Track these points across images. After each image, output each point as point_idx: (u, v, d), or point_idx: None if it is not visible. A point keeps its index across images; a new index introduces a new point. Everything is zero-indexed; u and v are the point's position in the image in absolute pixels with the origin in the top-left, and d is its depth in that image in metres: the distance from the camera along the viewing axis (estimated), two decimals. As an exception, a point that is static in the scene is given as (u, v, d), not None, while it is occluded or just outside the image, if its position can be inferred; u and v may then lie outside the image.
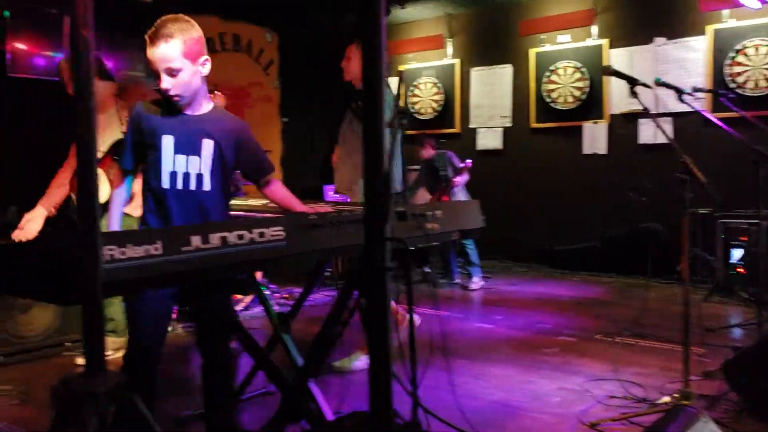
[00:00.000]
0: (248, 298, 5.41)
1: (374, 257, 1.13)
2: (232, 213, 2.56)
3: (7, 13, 5.43)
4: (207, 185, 2.31)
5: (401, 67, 8.43)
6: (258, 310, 5.35)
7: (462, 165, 6.27)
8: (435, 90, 8.21)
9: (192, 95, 2.34)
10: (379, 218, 1.17)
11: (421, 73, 8.32)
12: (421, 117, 8.30)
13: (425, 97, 8.30)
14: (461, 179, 6.27)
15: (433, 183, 6.43)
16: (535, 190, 7.44)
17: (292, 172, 8.43)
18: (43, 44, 5.74)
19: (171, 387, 3.70)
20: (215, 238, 1.69)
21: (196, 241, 1.64)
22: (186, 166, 2.29)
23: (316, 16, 7.86)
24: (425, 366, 2.79)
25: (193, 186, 2.29)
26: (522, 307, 5.51)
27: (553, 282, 6.57)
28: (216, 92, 4.52)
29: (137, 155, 2.34)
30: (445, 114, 8.16)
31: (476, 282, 6.29)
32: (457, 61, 8.03)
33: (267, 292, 5.56)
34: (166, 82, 2.26)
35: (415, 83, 8.35)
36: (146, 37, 2.27)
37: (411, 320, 2.91)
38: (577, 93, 7.06)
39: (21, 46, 5.64)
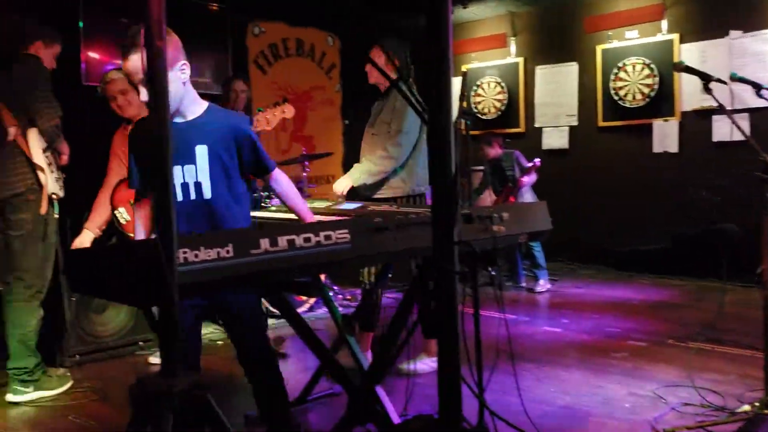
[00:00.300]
0: (312, 300, 5.48)
1: (443, 261, 1.12)
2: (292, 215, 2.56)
3: (81, 24, 5.66)
4: (207, 193, 2.26)
5: (464, 67, 8.38)
6: (321, 311, 5.41)
7: (530, 164, 6.15)
8: (498, 89, 8.12)
9: (177, 104, 2.27)
10: (447, 222, 1.16)
11: (484, 73, 8.24)
12: (484, 117, 8.22)
13: (488, 97, 8.22)
14: (529, 179, 6.14)
15: (500, 183, 6.34)
16: (602, 190, 7.25)
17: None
18: (116, 53, 5.96)
19: (240, 385, 3.79)
20: (283, 241, 1.72)
21: (264, 243, 1.67)
22: (183, 176, 2.25)
23: (376, 20, 7.89)
24: (491, 370, 2.76)
25: (193, 195, 2.25)
26: (589, 310, 5.38)
27: (621, 284, 6.39)
28: (286, 103, 4.57)
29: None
30: (509, 113, 8.06)
31: (542, 285, 6.19)
32: (520, 60, 7.92)
33: (330, 294, 5.63)
34: (144, 95, 2.15)
35: (477, 83, 8.28)
36: (120, 49, 2.25)
37: (477, 323, 2.88)
38: (646, 90, 6.85)
39: (94, 55, 5.87)
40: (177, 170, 2.24)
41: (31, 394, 3.62)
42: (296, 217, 2.55)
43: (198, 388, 1.40)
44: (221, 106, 3.97)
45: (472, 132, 7.35)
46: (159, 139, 1.40)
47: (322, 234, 1.82)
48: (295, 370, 4.03)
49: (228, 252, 1.58)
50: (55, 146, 3.71)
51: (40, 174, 3.62)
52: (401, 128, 3.82)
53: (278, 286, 1.90)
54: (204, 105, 2.37)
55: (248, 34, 7.37)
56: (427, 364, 3.82)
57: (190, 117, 2.33)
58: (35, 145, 3.62)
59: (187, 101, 2.32)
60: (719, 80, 3.05)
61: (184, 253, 1.50)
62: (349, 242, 1.89)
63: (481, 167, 6.60)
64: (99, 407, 3.53)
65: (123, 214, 3.95)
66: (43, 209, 3.64)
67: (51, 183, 3.66)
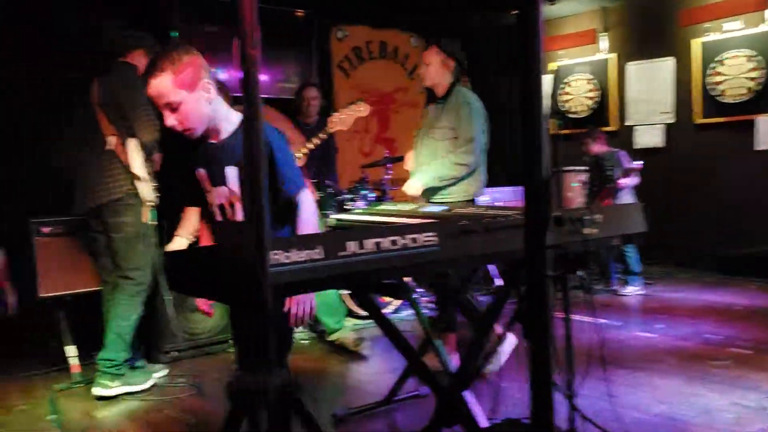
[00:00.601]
0: (397, 302, 5.49)
1: (536, 265, 1.10)
2: (380, 218, 2.56)
3: (175, 34, 5.90)
4: (241, 214, 2.21)
5: (552, 65, 8.20)
6: (406, 313, 5.42)
7: (631, 166, 5.89)
8: (589, 87, 7.90)
9: (206, 124, 2.22)
10: (539, 225, 1.13)
11: (573, 70, 8.03)
12: (573, 115, 8.02)
13: (578, 95, 8.01)
14: (628, 182, 5.87)
15: (598, 182, 6.10)
16: (700, 190, 6.91)
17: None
18: (208, 61, 6.18)
19: (326, 384, 3.85)
20: (370, 243, 1.73)
21: (352, 246, 1.69)
22: (220, 197, 2.25)
23: (459, 20, 7.85)
24: (582, 375, 2.69)
25: (230, 216, 2.24)
26: (687, 315, 5.14)
27: (723, 289, 6.06)
28: (360, 102, 4.61)
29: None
30: (599, 111, 7.82)
31: (632, 289, 5.95)
32: (612, 56, 7.67)
33: (415, 296, 5.62)
34: (170, 120, 2.17)
35: (566, 80, 8.08)
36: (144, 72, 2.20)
37: (568, 327, 2.81)
38: (750, 84, 6.48)
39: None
40: (214, 192, 2.26)
41: (117, 389, 3.75)
42: (382, 219, 2.57)
43: (292, 387, 1.43)
44: (294, 113, 4.07)
45: (562, 131, 7.22)
46: (250, 145, 1.44)
47: (409, 237, 1.82)
48: (381, 371, 4.06)
49: (318, 254, 1.61)
50: (152, 157, 3.87)
51: (139, 184, 3.77)
52: (473, 135, 3.78)
53: (366, 287, 1.92)
54: (236, 121, 2.28)
55: (332, 39, 7.49)
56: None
57: (223, 137, 2.27)
58: (136, 156, 3.76)
59: (219, 120, 2.25)
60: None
61: (276, 254, 1.53)
62: (437, 245, 1.88)
63: (576, 167, 6.40)
64: (194, 402, 3.67)
65: None
66: (144, 218, 3.82)
67: (148, 192, 3.83)
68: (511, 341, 3.69)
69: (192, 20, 6.09)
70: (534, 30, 1.22)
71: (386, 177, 6.14)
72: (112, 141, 3.76)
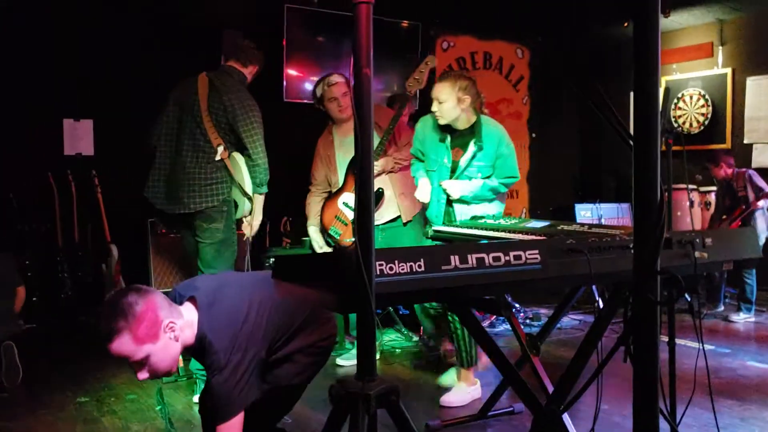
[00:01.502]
0: (492, 315, 5.45)
1: (645, 291, 1.08)
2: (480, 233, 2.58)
3: (284, 43, 6.12)
4: None
5: (664, 78, 7.89)
6: (502, 328, 5.37)
7: (765, 187, 5.62)
8: (702, 102, 7.54)
9: (178, 358, 2.16)
10: (651, 250, 1.12)
11: (687, 85, 7.69)
12: (686, 132, 7.68)
13: (690, 111, 7.67)
14: (763, 203, 5.59)
15: (731, 205, 5.83)
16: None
17: (536, 190, 8.35)
18: (315, 70, 6.39)
19: (420, 393, 3.87)
20: (472, 259, 1.75)
21: (454, 260, 1.72)
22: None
23: (567, 31, 7.71)
24: (687, 403, 2.58)
25: None
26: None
27: None
28: (428, 55, 4.49)
29: None
30: (712, 128, 7.44)
31: (744, 316, 5.62)
32: (728, 70, 7.30)
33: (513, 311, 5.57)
34: (141, 374, 2.08)
35: (679, 95, 7.75)
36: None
37: (672, 353, 2.71)
38: None
39: (294, 72, 6.34)
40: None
41: None
42: (483, 233, 2.59)
43: (392, 394, 1.48)
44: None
45: (675, 148, 6.90)
46: (362, 164, 1.50)
47: (512, 254, 1.83)
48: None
49: (420, 266, 1.65)
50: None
51: (247, 201, 3.86)
52: (514, 174, 3.76)
53: (465, 302, 1.94)
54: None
55: (438, 49, 7.54)
56: (458, 395, 3.66)
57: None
58: (243, 171, 3.83)
59: (193, 335, 2.16)
60: None
61: (381, 265, 1.58)
62: (539, 263, 1.87)
63: (713, 188, 6.16)
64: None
65: (336, 232, 4.25)
66: (248, 234, 3.95)
67: (258, 210, 3.94)
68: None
69: (299, 30, 6.29)
70: (651, 43, 1.20)
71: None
72: (220, 152, 3.79)
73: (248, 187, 3.87)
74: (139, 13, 5.54)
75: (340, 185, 4.31)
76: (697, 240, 2.22)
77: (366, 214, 1.49)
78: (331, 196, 4.34)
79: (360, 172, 1.52)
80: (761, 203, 5.51)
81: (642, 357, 1.13)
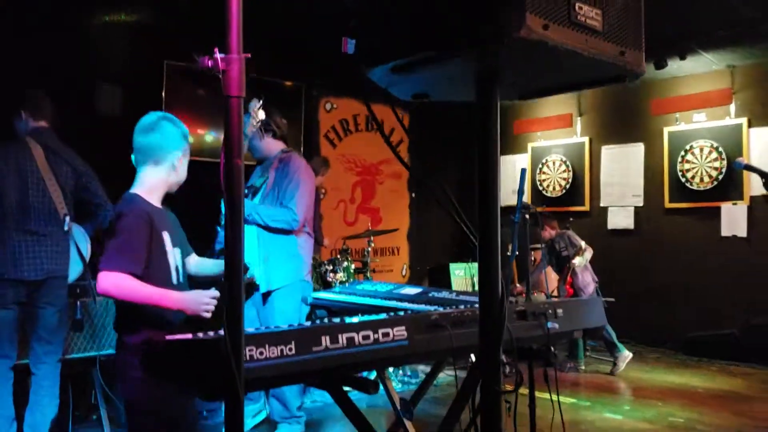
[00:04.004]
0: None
1: (489, 381, 1.20)
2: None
3: (163, 94, 6.05)
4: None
5: (530, 145, 8.49)
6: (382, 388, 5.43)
7: (577, 245, 6.14)
8: (563, 168, 8.17)
9: None
10: (494, 341, 1.24)
11: (550, 151, 8.32)
12: (549, 195, 8.26)
13: (554, 175, 8.27)
14: (579, 260, 6.07)
15: (557, 263, 6.33)
16: (669, 272, 7.12)
17: (416, 247, 8.63)
18: (194, 124, 6.36)
19: None
20: (343, 338, 1.83)
21: (325, 341, 1.79)
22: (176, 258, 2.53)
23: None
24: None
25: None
26: (653, 396, 5.23)
27: (688, 370, 6.18)
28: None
29: None
30: (573, 192, 8.07)
31: (622, 363, 6.03)
32: (586, 139, 7.98)
33: (390, 370, 5.64)
34: None
35: (543, 161, 8.36)
36: None
37: (532, 409, 2.90)
38: (713, 173, 6.78)
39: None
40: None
41: None
42: (371, 302, 2.68)
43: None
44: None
45: (539, 209, 7.32)
46: (232, 250, 1.55)
47: (380, 331, 1.92)
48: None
49: (290, 350, 1.70)
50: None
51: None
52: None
53: (336, 381, 2.00)
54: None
55: (321, 109, 7.73)
56: None
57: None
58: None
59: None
60: (781, 179, 3.06)
61: (250, 350, 1.62)
62: (406, 339, 1.98)
63: (540, 245, 6.60)
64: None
65: None
66: None
67: None
68: None
69: (179, 83, 6.26)
70: (491, 122, 1.34)
71: (369, 248, 6.26)
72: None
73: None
74: (11, 63, 5.31)
75: None
76: (550, 311, 2.42)
77: (237, 303, 1.53)
78: None
79: (230, 258, 1.56)
80: (577, 260, 6.01)
81: (487, 440, 1.25)
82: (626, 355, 6.05)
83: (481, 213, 1.34)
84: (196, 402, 4.44)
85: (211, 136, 6.56)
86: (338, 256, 5.80)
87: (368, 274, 6.11)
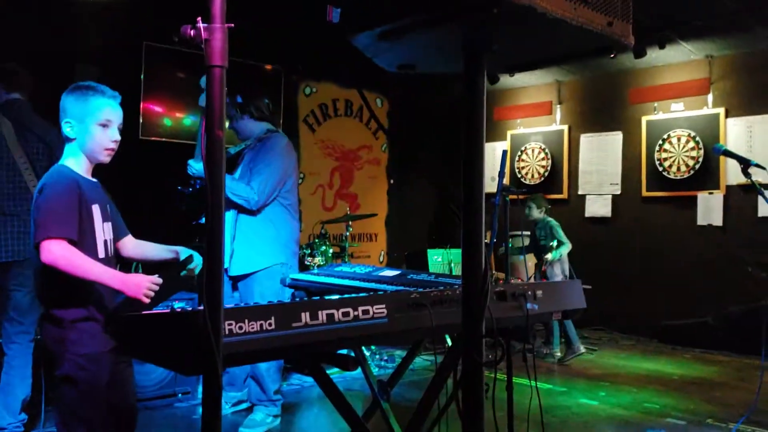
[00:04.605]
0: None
1: (471, 354, 1.19)
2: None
3: (142, 76, 5.95)
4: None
5: (509, 132, 8.51)
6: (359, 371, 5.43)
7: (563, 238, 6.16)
8: (542, 155, 8.20)
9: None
10: (476, 316, 1.23)
11: (529, 139, 8.35)
12: (527, 183, 8.29)
13: (532, 163, 8.30)
14: (551, 256, 6.10)
15: (536, 251, 6.36)
16: (645, 260, 7.20)
17: (394, 234, 8.63)
18: (174, 107, 6.27)
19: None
20: (323, 315, 1.81)
21: (305, 317, 1.77)
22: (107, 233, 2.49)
23: (424, 85, 8.12)
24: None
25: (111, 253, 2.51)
26: (628, 383, 5.29)
27: (663, 358, 6.27)
28: None
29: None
30: (552, 180, 8.11)
31: (572, 355, 6.08)
32: (565, 127, 8.01)
33: (368, 353, 5.65)
34: None
35: (522, 148, 8.39)
36: None
37: (510, 394, 2.91)
38: (690, 162, 6.85)
39: (153, 108, 6.17)
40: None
41: None
42: (350, 284, 2.66)
43: None
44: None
45: (512, 197, 7.30)
46: (211, 216, 1.52)
47: (360, 309, 1.91)
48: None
49: (270, 325, 1.68)
50: None
51: None
52: None
53: (315, 357, 1.98)
54: None
55: (300, 94, 7.67)
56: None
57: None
58: None
59: None
60: (758, 165, 3.09)
61: (230, 325, 1.60)
62: (386, 317, 1.97)
63: (518, 232, 6.57)
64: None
65: None
66: None
67: None
68: None
69: (159, 65, 6.16)
70: (478, 93, 1.33)
71: (347, 233, 6.23)
72: None
73: None
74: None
75: None
76: (529, 293, 2.42)
77: (216, 269, 1.50)
78: None
79: (210, 235, 1.53)
80: (549, 255, 6.03)
81: (469, 413, 1.24)
82: (579, 349, 6.11)
83: (465, 186, 1.33)
84: (171, 382, 4.43)
85: (190, 120, 6.47)
86: (316, 240, 5.78)
87: (346, 259, 6.09)
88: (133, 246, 2.71)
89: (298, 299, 3.06)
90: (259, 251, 4.04)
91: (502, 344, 1.46)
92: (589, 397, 4.88)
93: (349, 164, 8.18)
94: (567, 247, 6.13)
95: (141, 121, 6.07)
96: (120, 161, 3.77)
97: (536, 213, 6.33)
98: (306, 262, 5.60)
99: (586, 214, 7.72)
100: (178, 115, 6.36)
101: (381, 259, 8.62)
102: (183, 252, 2.62)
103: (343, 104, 8.03)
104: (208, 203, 1.55)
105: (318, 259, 5.61)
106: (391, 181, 8.59)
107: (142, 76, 6.03)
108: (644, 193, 7.25)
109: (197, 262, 2.57)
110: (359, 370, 5.45)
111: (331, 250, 5.85)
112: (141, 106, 6.06)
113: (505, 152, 2.98)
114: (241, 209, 3.99)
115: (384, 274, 3.00)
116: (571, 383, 5.32)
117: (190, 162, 3.98)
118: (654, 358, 6.26)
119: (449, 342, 5.92)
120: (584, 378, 5.51)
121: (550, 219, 6.34)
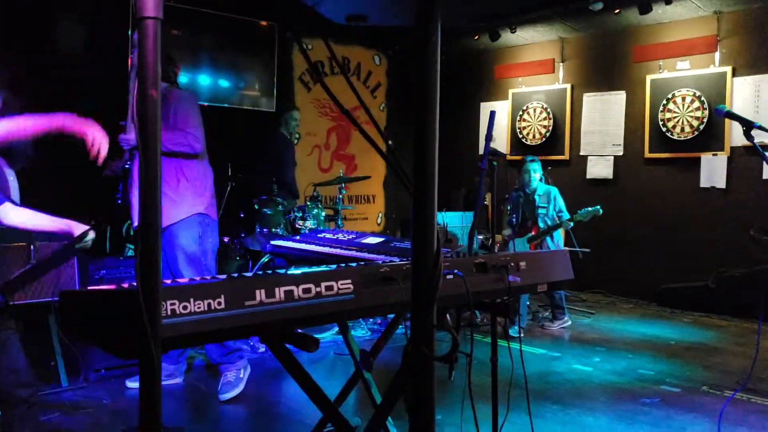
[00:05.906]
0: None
1: (419, 345, 1.07)
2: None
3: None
4: None
5: (511, 91, 8.28)
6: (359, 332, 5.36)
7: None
8: (544, 115, 7.99)
9: None
10: (426, 303, 1.11)
11: (531, 98, 8.12)
12: (528, 143, 8.09)
13: (534, 122, 8.10)
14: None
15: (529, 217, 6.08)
16: (646, 223, 7.05)
17: (393, 196, 8.49)
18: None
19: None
20: (280, 292, 1.69)
21: (260, 294, 1.64)
22: None
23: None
24: (508, 408, 2.69)
25: None
26: (624, 348, 5.21)
27: (661, 322, 6.17)
28: None
29: None
30: (553, 140, 7.91)
31: (559, 323, 5.92)
32: (567, 86, 7.78)
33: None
34: None
35: (524, 108, 8.17)
36: None
37: (495, 362, 2.81)
38: (695, 123, 6.64)
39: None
40: None
41: None
42: (330, 251, 2.55)
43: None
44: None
45: (510, 157, 7.17)
46: (147, 182, 1.38)
47: (323, 284, 1.78)
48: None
49: (219, 304, 1.56)
50: None
51: None
52: None
53: (278, 337, 1.87)
54: None
55: (294, 51, 7.45)
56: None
57: None
58: None
59: None
60: (761, 127, 2.92)
61: (172, 304, 1.48)
62: (352, 293, 1.85)
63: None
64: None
65: None
66: None
67: None
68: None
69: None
70: (430, 49, 1.19)
71: (340, 195, 6.10)
72: None
73: None
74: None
75: None
76: (512, 264, 2.29)
77: (153, 243, 1.37)
78: None
79: (145, 194, 1.39)
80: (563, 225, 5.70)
81: (418, 410, 1.12)
82: (566, 320, 5.95)
83: (416, 160, 1.18)
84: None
85: (185, 78, 6.29)
86: (308, 203, 5.65)
87: (340, 222, 5.96)
88: (15, 214, 2.61)
89: (277, 268, 2.95)
90: (173, 203, 3.84)
91: (449, 328, 1.34)
92: (583, 363, 4.79)
93: (346, 124, 8.01)
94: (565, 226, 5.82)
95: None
96: (111, 119, 3.67)
97: (536, 180, 5.86)
98: (297, 226, 5.48)
99: (588, 176, 7.54)
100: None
101: (379, 221, 8.51)
102: (77, 228, 2.60)
103: (340, 62, 7.81)
104: (140, 169, 1.41)
105: (309, 223, 5.49)
106: (390, 143, 8.39)
107: (129, 32, 5.83)
108: (647, 154, 7.06)
109: (91, 238, 2.62)
110: (358, 331, 5.37)
111: (323, 214, 5.73)
112: (129, 61, 5.88)
113: (493, 113, 2.82)
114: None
115: (367, 241, 2.89)
116: (566, 348, 5.24)
117: (122, 137, 3.76)
118: (652, 322, 6.16)
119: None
120: (579, 343, 5.43)
121: (552, 187, 5.92)
